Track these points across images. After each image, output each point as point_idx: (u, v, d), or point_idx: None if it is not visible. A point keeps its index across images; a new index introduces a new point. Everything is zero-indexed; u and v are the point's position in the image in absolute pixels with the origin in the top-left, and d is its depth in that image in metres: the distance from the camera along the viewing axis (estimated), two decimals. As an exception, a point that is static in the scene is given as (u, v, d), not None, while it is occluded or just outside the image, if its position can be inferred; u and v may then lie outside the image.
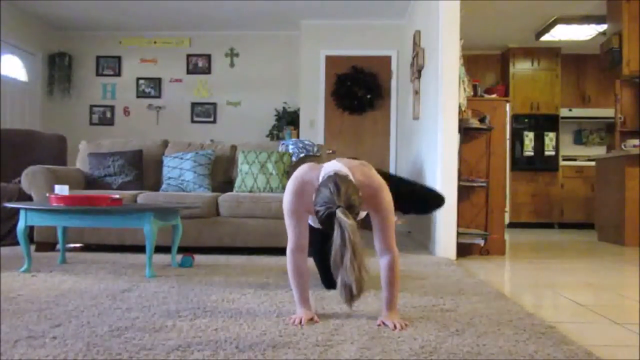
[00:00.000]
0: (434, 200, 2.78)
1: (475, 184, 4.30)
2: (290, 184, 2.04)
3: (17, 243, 3.89)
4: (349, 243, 1.68)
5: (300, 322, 1.94)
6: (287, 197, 2.03)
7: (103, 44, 7.73)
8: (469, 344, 1.73)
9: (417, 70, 5.30)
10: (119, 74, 7.74)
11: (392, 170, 7.00)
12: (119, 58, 7.74)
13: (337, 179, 1.82)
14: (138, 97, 7.71)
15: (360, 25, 7.05)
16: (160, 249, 3.62)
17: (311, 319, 1.98)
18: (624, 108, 6.52)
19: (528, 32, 7.27)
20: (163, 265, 3.40)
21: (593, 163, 6.82)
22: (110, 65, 7.75)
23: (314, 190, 1.89)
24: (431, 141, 4.57)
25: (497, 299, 2.49)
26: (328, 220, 1.73)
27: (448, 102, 4.14)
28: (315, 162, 4.65)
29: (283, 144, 4.86)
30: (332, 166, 1.96)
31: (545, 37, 7.13)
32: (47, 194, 3.31)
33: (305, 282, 2.06)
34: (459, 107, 4.17)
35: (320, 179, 1.92)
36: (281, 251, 4.16)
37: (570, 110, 8.08)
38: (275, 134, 7.34)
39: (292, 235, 2.03)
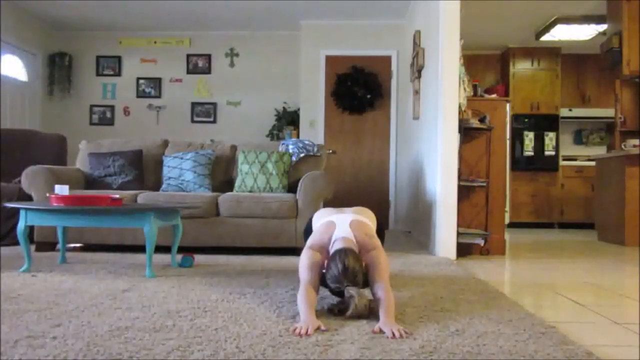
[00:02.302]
0: None
1: (475, 184, 4.30)
2: (306, 251, 2.23)
3: (17, 243, 3.90)
4: (355, 310, 2.02)
5: (307, 331, 1.82)
6: (304, 258, 2.21)
7: (103, 44, 7.73)
8: (469, 344, 1.73)
9: (417, 70, 5.30)
10: (119, 74, 7.74)
11: (392, 170, 7.01)
12: (119, 58, 7.74)
13: (344, 258, 2.07)
14: (138, 97, 7.71)
15: (360, 25, 7.05)
16: (160, 249, 3.62)
17: (318, 328, 1.87)
18: (624, 108, 6.53)
19: (528, 32, 7.27)
20: (163, 265, 3.40)
21: (593, 163, 6.82)
22: (110, 65, 7.75)
23: (327, 252, 2.21)
24: (431, 141, 4.57)
25: (497, 299, 2.49)
26: (339, 292, 2.14)
27: (448, 102, 4.14)
28: (315, 161, 4.69)
29: (283, 143, 4.86)
30: (342, 233, 2.25)
31: (545, 37, 7.13)
32: (47, 194, 3.31)
33: (313, 306, 2.05)
34: (459, 107, 4.17)
35: (331, 248, 2.20)
36: (281, 251, 4.18)
37: (570, 110, 8.08)
38: (275, 134, 7.34)
39: (306, 277, 2.14)
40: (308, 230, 2.58)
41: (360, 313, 2.01)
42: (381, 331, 1.85)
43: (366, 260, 2.17)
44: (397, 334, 1.80)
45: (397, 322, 1.94)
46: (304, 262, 2.20)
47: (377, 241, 2.30)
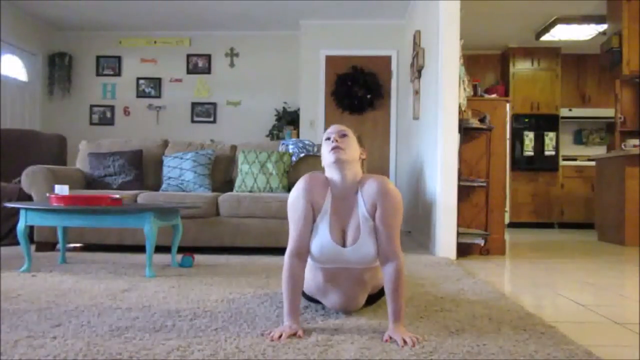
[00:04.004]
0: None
1: (475, 184, 4.30)
2: (301, 180, 2.01)
3: (17, 243, 3.89)
4: None
5: (280, 337, 1.76)
6: (295, 189, 1.99)
7: (103, 44, 7.73)
8: (469, 344, 1.73)
9: (417, 70, 5.30)
10: (119, 74, 7.74)
11: (392, 170, 7.01)
12: (119, 58, 7.74)
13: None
14: (138, 97, 7.71)
15: (360, 25, 7.05)
16: (160, 249, 3.62)
17: (294, 334, 1.79)
18: (624, 108, 6.53)
19: (528, 32, 7.27)
20: (163, 265, 3.40)
21: (593, 163, 6.82)
22: (110, 65, 7.75)
23: (324, 184, 1.98)
24: (431, 141, 4.57)
25: (497, 299, 2.49)
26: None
27: (448, 102, 4.14)
28: (315, 161, 4.69)
29: (283, 143, 4.86)
30: None
31: (545, 37, 7.13)
32: (47, 194, 3.31)
33: (298, 292, 1.91)
34: (459, 107, 4.17)
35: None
36: (281, 251, 4.17)
37: (570, 110, 8.08)
38: (275, 134, 7.34)
39: (294, 235, 1.94)
40: None
41: None
42: (391, 339, 1.76)
43: (375, 200, 1.94)
44: (409, 342, 1.71)
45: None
46: (293, 202, 1.98)
47: (397, 192, 2.00)
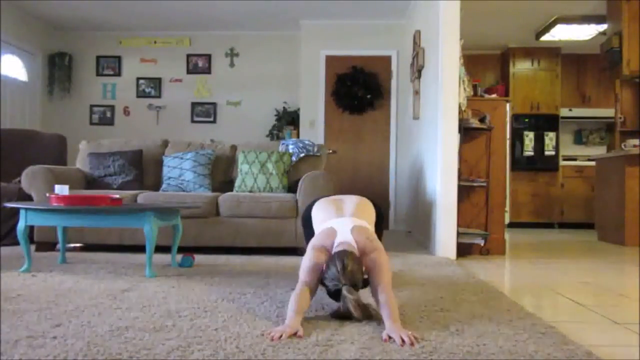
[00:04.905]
0: None
1: (475, 184, 4.30)
2: (310, 252, 2.21)
3: (17, 243, 3.90)
4: (353, 314, 2.00)
5: (280, 337, 1.76)
6: (306, 259, 2.18)
7: (103, 44, 7.73)
8: (469, 344, 1.73)
9: (417, 70, 5.30)
10: (119, 74, 7.74)
11: (392, 170, 7.01)
12: (119, 58, 7.74)
13: (344, 258, 2.07)
14: (138, 97, 7.71)
15: (360, 25, 7.05)
16: (160, 249, 3.62)
17: (294, 334, 1.80)
18: (624, 108, 6.53)
19: (528, 32, 7.27)
20: (163, 265, 3.40)
21: (593, 163, 6.82)
22: (110, 65, 7.75)
23: (329, 254, 2.17)
24: (431, 141, 4.57)
25: (497, 299, 2.49)
26: (336, 293, 2.09)
27: (448, 102, 4.14)
28: (315, 161, 4.69)
29: (283, 143, 4.86)
30: (343, 238, 2.21)
31: (545, 37, 7.13)
32: (47, 194, 3.31)
33: (304, 307, 2.01)
34: (459, 107, 4.17)
35: (334, 249, 2.19)
36: (281, 251, 4.18)
37: (570, 110, 8.08)
38: (275, 134, 7.34)
39: (304, 278, 2.11)
40: (307, 219, 2.59)
41: (355, 311, 2.00)
42: (390, 338, 1.77)
43: (367, 263, 2.14)
44: (407, 341, 1.72)
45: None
46: (306, 263, 2.17)
47: (378, 244, 2.26)
